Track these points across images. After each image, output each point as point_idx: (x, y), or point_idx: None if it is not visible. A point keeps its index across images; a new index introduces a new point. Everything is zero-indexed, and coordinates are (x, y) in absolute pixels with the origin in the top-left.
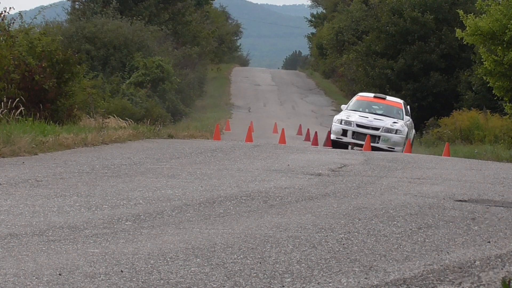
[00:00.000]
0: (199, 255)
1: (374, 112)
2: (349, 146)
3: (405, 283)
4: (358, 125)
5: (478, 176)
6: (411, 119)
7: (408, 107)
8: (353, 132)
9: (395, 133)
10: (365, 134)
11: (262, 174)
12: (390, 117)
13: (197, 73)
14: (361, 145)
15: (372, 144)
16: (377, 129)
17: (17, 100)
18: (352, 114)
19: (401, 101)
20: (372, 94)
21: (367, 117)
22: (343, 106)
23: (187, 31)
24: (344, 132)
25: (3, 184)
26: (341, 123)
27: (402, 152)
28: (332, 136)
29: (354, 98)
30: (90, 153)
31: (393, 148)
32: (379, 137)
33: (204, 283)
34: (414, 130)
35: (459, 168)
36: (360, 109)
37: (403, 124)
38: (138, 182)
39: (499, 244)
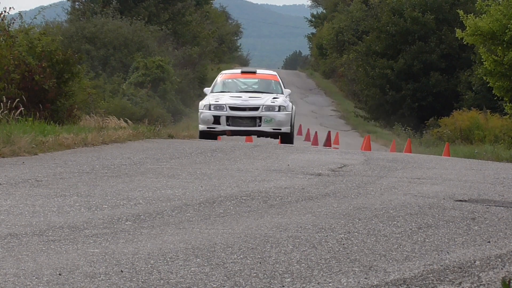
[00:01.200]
0: (199, 255)
1: (246, 90)
2: (222, 137)
3: (405, 283)
4: (232, 108)
5: (478, 176)
6: (290, 93)
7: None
8: (227, 118)
9: (279, 110)
10: (242, 118)
11: (262, 174)
12: (268, 92)
13: (197, 73)
14: (239, 132)
15: (252, 129)
16: (255, 108)
17: (17, 100)
18: (221, 96)
19: (275, 73)
20: (239, 70)
21: (241, 97)
22: (206, 90)
23: (187, 31)
24: (216, 120)
25: (3, 184)
26: (210, 109)
27: (290, 133)
28: (201, 127)
29: (218, 78)
30: (90, 153)
31: (279, 129)
32: (260, 118)
33: (204, 283)
34: (294, 107)
35: (459, 168)
36: (228, 90)
37: (285, 99)
38: (138, 182)
39: (499, 244)
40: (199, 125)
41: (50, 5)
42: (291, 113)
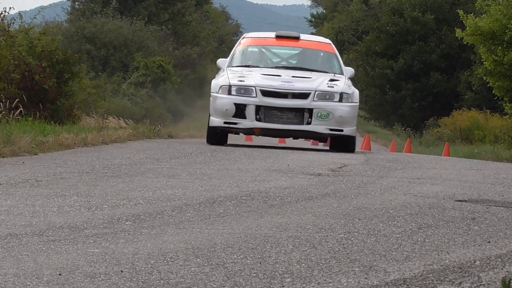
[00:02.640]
0: (199, 255)
1: (284, 66)
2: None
3: (405, 283)
4: (266, 93)
5: (478, 176)
6: (353, 74)
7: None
8: (258, 108)
9: (340, 100)
10: (282, 110)
11: (262, 174)
12: (319, 71)
13: (198, 73)
14: (275, 132)
15: (297, 127)
16: (304, 96)
17: (16, 100)
18: (247, 73)
19: (329, 41)
20: (272, 33)
21: (280, 76)
22: (221, 62)
23: (187, 31)
24: (240, 110)
25: (3, 184)
26: (230, 93)
27: (354, 136)
28: (215, 121)
29: (241, 43)
30: (90, 153)
31: (340, 130)
32: (310, 111)
33: (204, 283)
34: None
35: (459, 168)
36: (255, 64)
37: (348, 82)
38: (138, 182)
39: (499, 244)
40: (211, 118)
41: (50, 5)
42: (356, 105)
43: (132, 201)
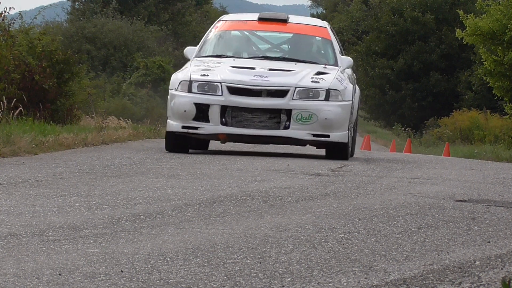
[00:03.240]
0: (199, 255)
1: (264, 55)
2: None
3: (405, 283)
4: (234, 90)
5: (478, 176)
6: (351, 65)
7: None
8: (224, 109)
9: (327, 98)
10: (253, 111)
11: (262, 174)
12: (308, 62)
13: None
14: (246, 138)
15: (271, 133)
16: (280, 94)
17: (14, 99)
18: (214, 65)
19: (325, 24)
20: (254, 15)
21: (254, 68)
22: (189, 51)
23: (187, 31)
24: (202, 112)
25: (3, 184)
26: (190, 90)
27: (346, 143)
28: (172, 124)
29: (216, 27)
30: (90, 153)
31: (326, 136)
32: (288, 113)
33: (204, 283)
34: (358, 90)
35: (459, 168)
36: (231, 53)
37: (341, 75)
38: (138, 182)
39: (499, 244)
40: (168, 121)
41: (50, 5)
42: (352, 104)
43: (132, 201)
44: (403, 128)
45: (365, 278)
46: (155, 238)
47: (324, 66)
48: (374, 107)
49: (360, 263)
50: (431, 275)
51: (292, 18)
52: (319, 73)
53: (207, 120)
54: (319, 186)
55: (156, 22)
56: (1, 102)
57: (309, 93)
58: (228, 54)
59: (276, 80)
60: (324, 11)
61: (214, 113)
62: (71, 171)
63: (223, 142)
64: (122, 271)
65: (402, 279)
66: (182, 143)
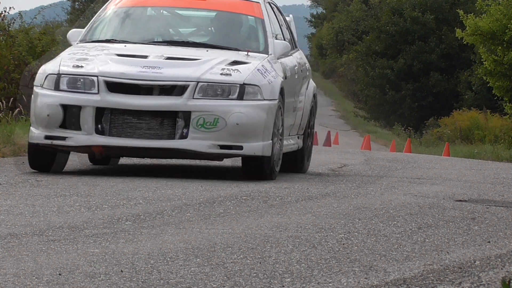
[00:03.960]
0: (199, 255)
1: (169, 39)
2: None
3: (405, 283)
4: (114, 86)
5: (478, 176)
6: (300, 53)
7: (292, 16)
8: (101, 112)
9: (239, 96)
10: (138, 114)
11: None
12: (224, 47)
13: None
14: (127, 151)
15: (161, 144)
16: (179, 90)
17: (11, 99)
18: (95, 52)
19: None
20: None
21: (146, 56)
22: (73, 34)
23: None
24: (72, 116)
25: (3, 184)
26: (57, 87)
27: (269, 157)
28: (35, 133)
29: (113, 2)
30: None
31: (239, 148)
32: (187, 117)
33: (204, 283)
34: (313, 85)
35: (459, 168)
36: (130, 38)
37: (267, 65)
38: (138, 182)
39: (499, 244)
40: (31, 129)
41: (50, 5)
42: (272, 105)
43: (132, 201)
44: (403, 128)
45: (365, 278)
46: (155, 238)
47: (246, 53)
48: (374, 107)
49: (360, 263)
50: (431, 275)
51: None
52: (235, 62)
53: (78, 128)
54: (319, 186)
55: None
56: (1, 102)
57: (216, 90)
58: (125, 40)
59: (172, 73)
60: (324, 11)
61: (87, 118)
62: (71, 171)
63: (98, 156)
64: (122, 271)
65: (402, 279)
66: (48, 158)
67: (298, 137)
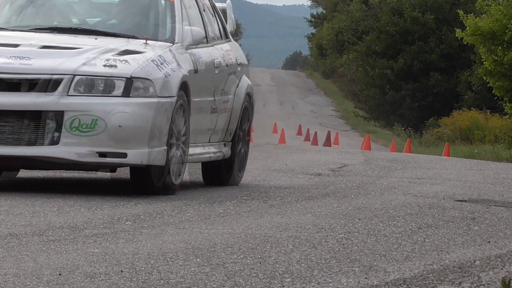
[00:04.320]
0: (199, 255)
1: (44, 27)
2: None
3: (405, 283)
4: None
5: (478, 176)
6: (232, 45)
7: (229, 2)
8: None
9: (127, 92)
10: (3, 115)
11: (262, 174)
12: (117, 34)
13: None
14: None
15: (27, 152)
16: (52, 86)
17: None
18: None
19: None
20: None
21: (17, 45)
22: None
23: None
24: None
25: (3, 184)
26: None
27: (162, 167)
28: None
29: None
30: None
31: (123, 156)
32: (59, 117)
33: (204, 283)
34: (247, 82)
35: (459, 168)
36: (11, 22)
37: (167, 55)
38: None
39: (499, 244)
40: None
41: None
42: (166, 103)
43: (132, 201)
44: (403, 128)
45: (365, 278)
46: (155, 238)
47: (145, 41)
48: (374, 107)
49: (360, 263)
50: (431, 275)
51: None
52: (126, 52)
53: None
54: (319, 186)
55: None
56: None
57: (97, 85)
58: (3, 27)
59: (44, 64)
60: (324, 11)
61: None
62: (71, 170)
63: None
64: (122, 271)
65: (402, 279)
66: None
67: (224, 145)
